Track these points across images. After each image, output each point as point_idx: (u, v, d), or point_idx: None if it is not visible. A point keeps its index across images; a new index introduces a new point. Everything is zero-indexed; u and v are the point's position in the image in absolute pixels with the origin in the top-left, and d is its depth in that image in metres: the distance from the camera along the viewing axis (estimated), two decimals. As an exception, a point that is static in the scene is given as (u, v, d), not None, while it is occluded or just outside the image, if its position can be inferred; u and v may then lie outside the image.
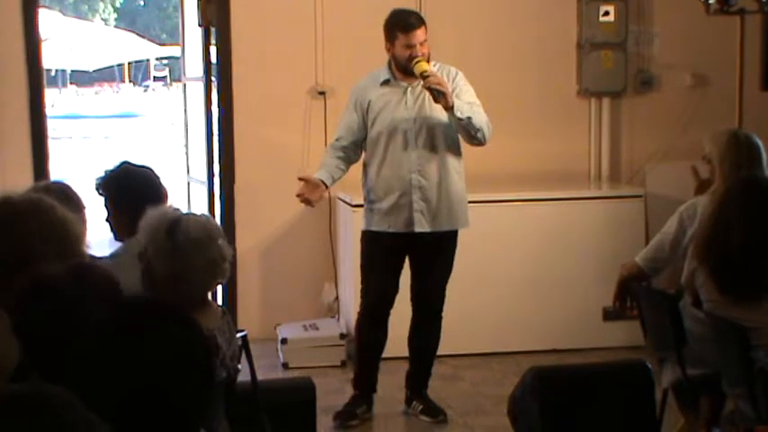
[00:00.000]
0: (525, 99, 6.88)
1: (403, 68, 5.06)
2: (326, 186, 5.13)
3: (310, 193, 5.08)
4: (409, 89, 5.08)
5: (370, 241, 5.23)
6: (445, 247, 5.21)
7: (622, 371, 3.58)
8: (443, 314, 5.32)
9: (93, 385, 1.81)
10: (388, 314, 5.25)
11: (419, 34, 5.03)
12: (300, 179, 5.12)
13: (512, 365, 5.90)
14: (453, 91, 5.02)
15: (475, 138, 5.04)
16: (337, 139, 5.22)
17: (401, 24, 5.06)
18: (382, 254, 5.18)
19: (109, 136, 23.74)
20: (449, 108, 4.93)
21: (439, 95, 4.89)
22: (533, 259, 6.42)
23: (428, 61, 5.04)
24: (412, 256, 5.23)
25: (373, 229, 5.19)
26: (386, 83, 5.14)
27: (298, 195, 5.09)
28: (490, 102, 6.84)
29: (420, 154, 5.08)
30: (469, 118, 4.96)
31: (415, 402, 5.36)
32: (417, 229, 5.10)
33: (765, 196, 3.93)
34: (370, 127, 5.14)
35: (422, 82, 4.98)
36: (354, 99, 5.21)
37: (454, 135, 5.10)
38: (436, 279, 5.24)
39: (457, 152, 5.15)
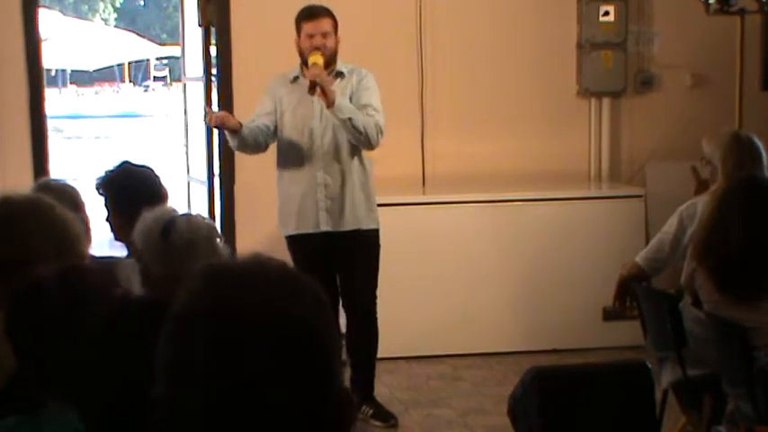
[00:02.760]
0: (525, 99, 6.88)
1: (307, 63, 5.03)
2: (241, 126, 5.05)
3: (228, 117, 5.08)
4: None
5: (291, 246, 5.22)
6: (364, 247, 5.17)
7: (622, 371, 3.57)
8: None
9: (89, 387, 1.80)
10: (336, 317, 5.20)
11: (321, 25, 5.02)
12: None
13: (512, 365, 5.90)
14: (355, 90, 5.01)
15: (359, 140, 4.98)
16: (252, 121, 5.21)
17: (305, 13, 5.10)
18: (304, 258, 5.14)
19: (108, 136, 23.74)
20: (328, 105, 4.89)
21: (312, 88, 4.85)
22: (533, 259, 6.41)
23: (333, 57, 5.02)
24: (335, 259, 5.22)
25: (288, 233, 5.21)
26: (295, 80, 5.14)
27: (213, 116, 5.06)
28: (490, 102, 6.88)
29: (325, 152, 5.07)
30: (350, 119, 4.90)
31: (365, 407, 5.28)
32: (323, 227, 5.10)
33: (764, 196, 3.93)
34: (279, 126, 5.14)
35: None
36: (269, 89, 5.24)
37: None
38: (360, 280, 5.19)
39: (360, 151, 5.11)
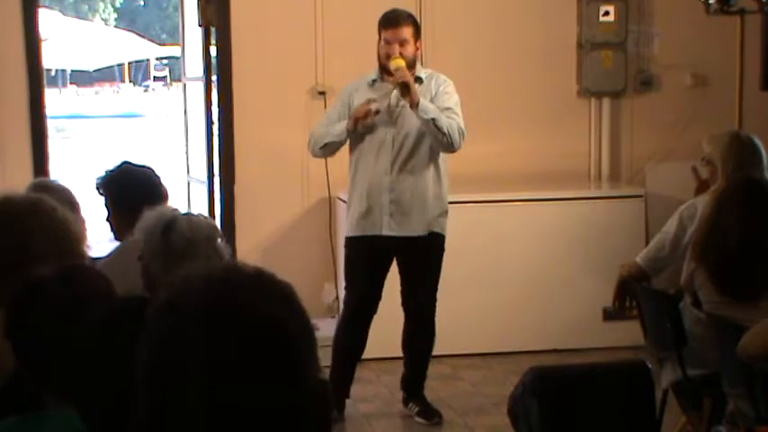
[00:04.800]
0: (525, 99, 6.88)
1: (387, 68, 5.05)
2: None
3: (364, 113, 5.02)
4: (394, 91, 5.05)
5: (350, 247, 5.25)
6: (429, 252, 5.19)
7: (622, 371, 3.57)
8: (437, 317, 5.33)
9: (89, 388, 1.80)
10: (368, 321, 5.25)
11: (399, 32, 5.02)
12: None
13: (512, 365, 5.90)
14: (435, 95, 5.04)
15: (442, 142, 5.00)
16: (317, 126, 5.26)
17: (384, 19, 5.09)
18: (362, 259, 5.19)
19: (92, 136, 23.74)
20: (414, 105, 4.91)
21: (406, 90, 4.88)
22: (533, 259, 6.41)
23: (412, 64, 5.03)
24: (398, 261, 5.24)
25: (351, 234, 5.22)
26: (373, 83, 5.15)
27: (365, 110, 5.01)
28: (490, 102, 6.87)
29: (396, 157, 5.08)
30: (434, 119, 4.93)
31: (411, 404, 5.36)
32: (385, 232, 5.10)
33: (762, 196, 3.93)
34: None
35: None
36: (343, 94, 5.27)
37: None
38: (423, 284, 5.23)
39: (435, 157, 5.13)
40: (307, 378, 1.28)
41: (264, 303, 1.27)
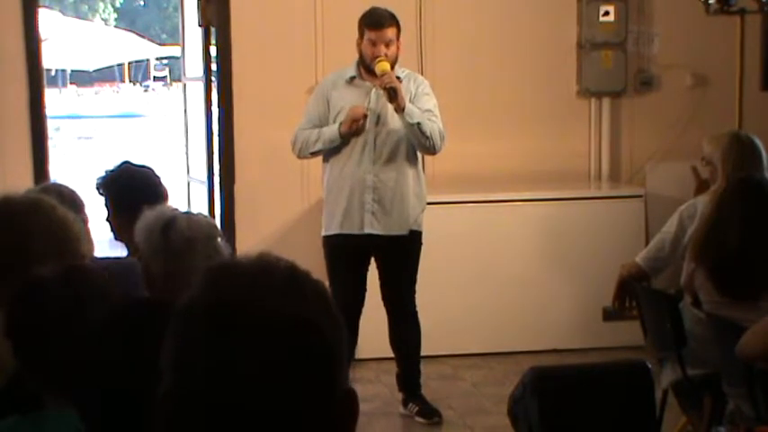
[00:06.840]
0: (525, 99, 6.88)
1: (368, 67, 5.06)
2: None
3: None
4: (373, 90, 5.07)
5: (330, 246, 5.24)
6: (408, 249, 5.21)
7: (622, 371, 3.58)
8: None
9: (89, 387, 1.80)
10: (357, 318, 5.25)
11: (385, 33, 5.03)
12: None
13: (512, 365, 5.90)
14: (413, 96, 5.05)
15: (424, 145, 5.03)
16: (302, 129, 5.24)
17: (368, 19, 5.09)
18: (342, 258, 5.19)
19: (97, 136, 23.73)
20: (400, 110, 4.93)
21: (393, 95, 4.89)
22: (533, 259, 6.41)
23: (393, 64, 5.04)
24: (376, 258, 5.25)
25: (330, 232, 5.21)
26: (351, 80, 5.15)
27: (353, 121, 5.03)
28: (490, 102, 6.88)
29: (377, 155, 5.09)
30: (419, 123, 4.95)
31: (410, 404, 5.36)
32: (367, 230, 5.11)
33: (762, 196, 3.94)
34: (331, 124, 5.15)
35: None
36: (321, 91, 5.25)
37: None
38: (402, 281, 5.25)
39: (416, 156, 5.16)
40: (338, 384, 1.23)
41: (297, 303, 1.22)
